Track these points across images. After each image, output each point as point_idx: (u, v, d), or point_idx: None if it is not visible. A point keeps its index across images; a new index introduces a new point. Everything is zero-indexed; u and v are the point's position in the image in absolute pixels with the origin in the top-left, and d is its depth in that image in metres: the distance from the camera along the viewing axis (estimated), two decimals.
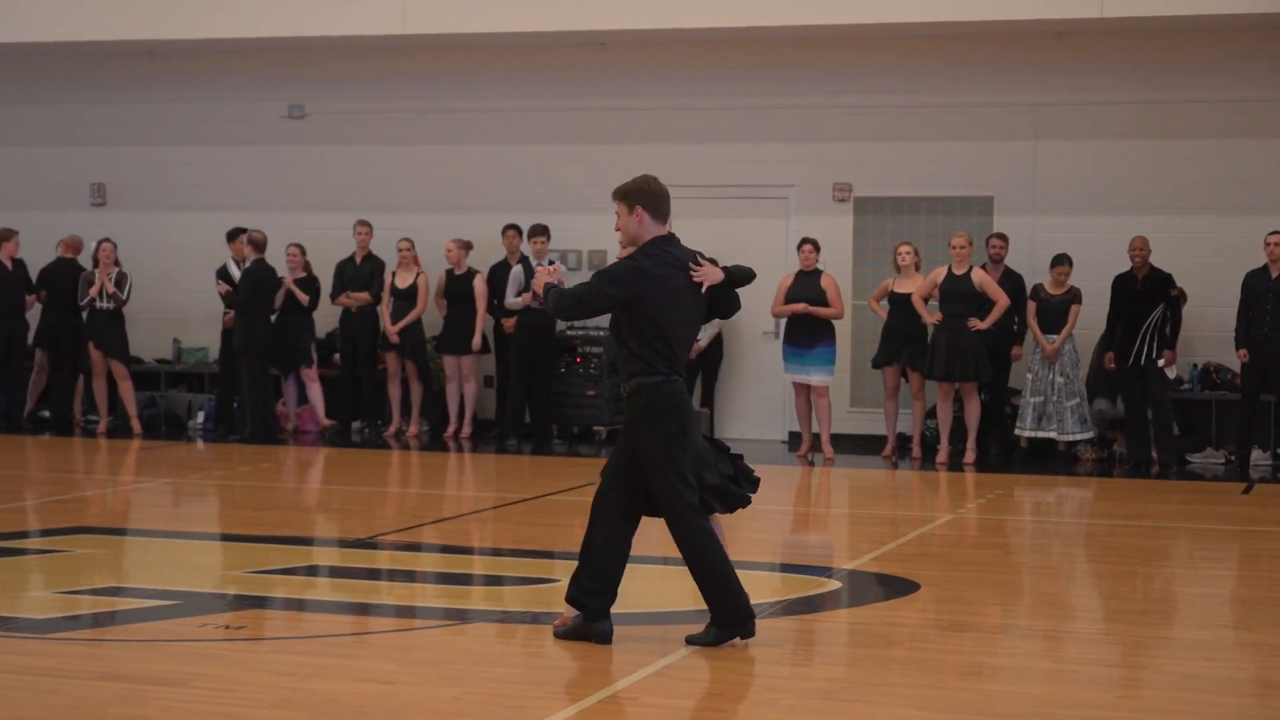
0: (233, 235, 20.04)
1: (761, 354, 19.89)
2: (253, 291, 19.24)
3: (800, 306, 18.02)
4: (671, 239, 8.86)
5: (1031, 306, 18.09)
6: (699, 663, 8.34)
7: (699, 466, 8.84)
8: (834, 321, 18.20)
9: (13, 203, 21.60)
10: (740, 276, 9.09)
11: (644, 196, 8.78)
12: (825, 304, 18.07)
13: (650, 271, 8.65)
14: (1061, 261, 18.10)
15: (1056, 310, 18.03)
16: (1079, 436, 18.13)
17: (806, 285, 18.15)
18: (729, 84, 19.93)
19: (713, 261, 8.94)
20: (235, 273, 19.66)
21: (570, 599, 8.76)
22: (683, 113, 20.05)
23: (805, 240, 18.34)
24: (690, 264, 8.77)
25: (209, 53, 21.15)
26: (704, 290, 8.80)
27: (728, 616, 8.64)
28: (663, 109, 20.08)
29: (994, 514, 14.72)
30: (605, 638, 8.67)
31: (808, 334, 18.09)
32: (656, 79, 20.09)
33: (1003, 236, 18.60)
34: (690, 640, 8.66)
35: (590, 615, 8.73)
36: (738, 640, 8.61)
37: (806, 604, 10.13)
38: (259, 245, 19.40)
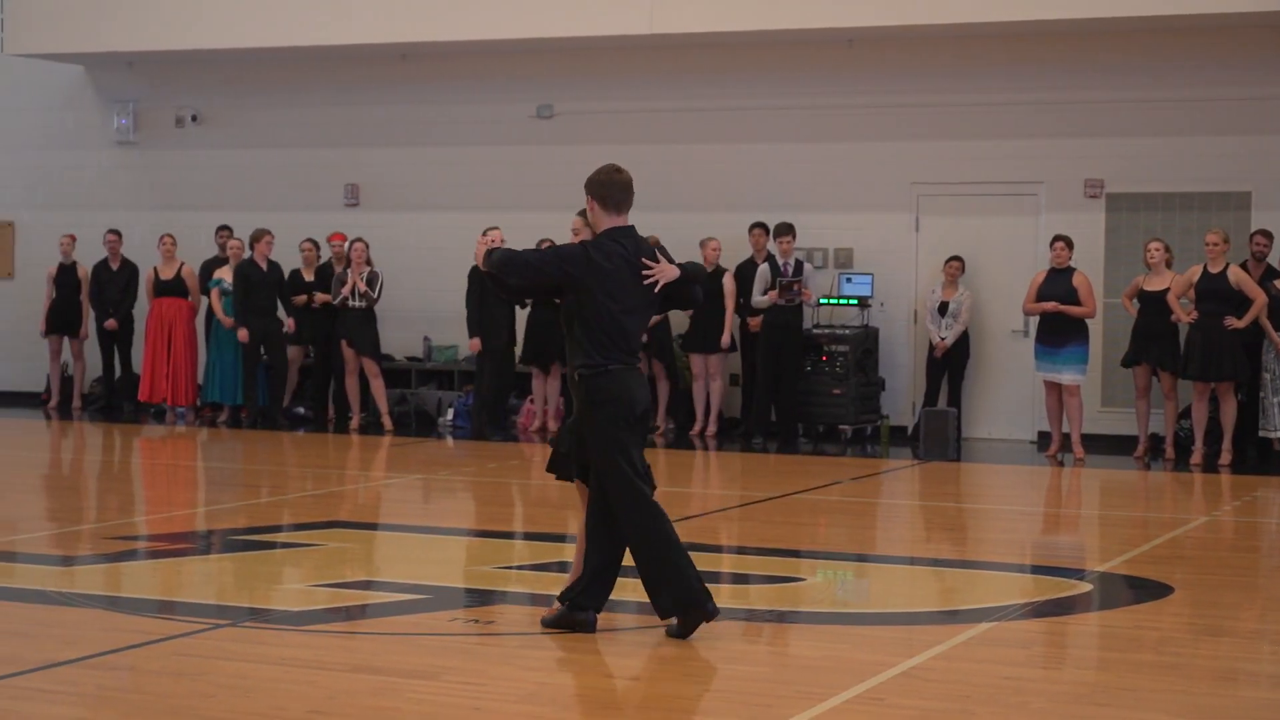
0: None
1: (1010, 352, 19.63)
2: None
3: (1051, 305, 17.77)
4: (626, 231, 8.86)
5: (1261, 303, 17.39)
6: (946, 664, 8.26)
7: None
8: (1086, 320, 17.92)
9: (268, 204, 22.09)
10: (695, 273, 9.11)
11: (597, 187, 8.89)
12: (1077, 302, 17.80)
13: (598, 262, 8.68)
14: None
15: None
16: None
17: (1058, 283, 17.88)
18: (977, 80, 19.70)
19: (669, 257, 8.98)
20: None
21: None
22: (931, 109, 19.86)
23: (1057, 237, 18.07)
24: (644, 260, 8.79)
25: (459, 54, 21.43)
26: (656, 290, 8.82)
27: (679, 598, 8.60)
28: (910, 106, 19.91)
29: (1250, 517, 14.37)
30: (588, 627, 8.77)
31: (1059, 332, 17.82)
32: (904, 76, 19.92)
33: (1267, 234, 18.13)
34: (670, 634, 8.67)
35: (575, 605, 8.81)
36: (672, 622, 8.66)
37: (1057, 606, 9.98)
38: None
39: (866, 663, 8.28)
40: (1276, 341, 17.37)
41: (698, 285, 9.14)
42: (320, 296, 20.41)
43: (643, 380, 8.88)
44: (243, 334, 20.17)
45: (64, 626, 9.02)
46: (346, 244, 20.27)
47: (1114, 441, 18.66)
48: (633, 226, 8.93)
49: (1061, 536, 13.72)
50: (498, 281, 8.90)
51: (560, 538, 12.71)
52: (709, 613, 8.62)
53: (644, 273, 8.77)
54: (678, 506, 14.66)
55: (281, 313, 20.42)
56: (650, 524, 8.75)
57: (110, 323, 21.62)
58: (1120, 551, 11.90)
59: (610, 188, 8.86)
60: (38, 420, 21.42)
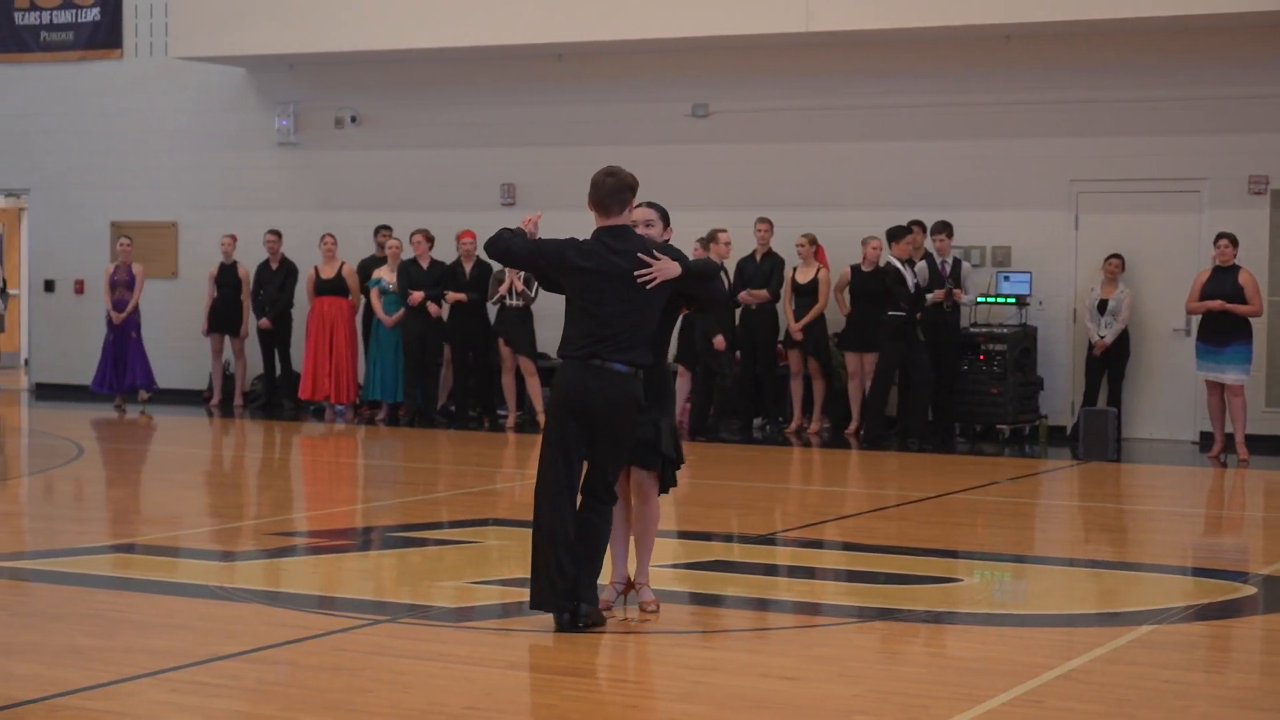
0: None
1: (1171, 352, 19.35)
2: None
3: (1216, 303, 17.51)
4: (619, 231, 9.05)
5: None
6: (1106, 667, 8.16)
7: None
8: (1251, 319, 17.64)
9: (426, 203, 22.26)
10: (702, 270, 9.23)
11: (590, 189, 9.10)
12: (1243, 301, 17.53)
13: (572, 260, 9.01)
14: None
15: None
16: None
17: (1223, 281, 17.62)
18: (1138, 75, 19.44)
19: (677, 255, 9.06)
20: None
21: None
22: (1091, 105, 19.62)
23: (1222, 235, 17.80)
24: (640, 256, 8.91)
25: (614, 54, 21.49)
26: (650, 288, 8.92)
27: (534, 593, 8.92)
28: (1070, 102, 19.68)
29: None
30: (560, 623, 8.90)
31: (1223, 331, 17.56)
32: (1063, 71, 19.70)
33: None
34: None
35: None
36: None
37: (1220, 609, 9.83)
38: None
39: (1025, 665, 8.20)
40: None
41: (712, 281, 9.27)
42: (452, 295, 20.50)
43: (599, 375, 8.91)
44: (415, 296, 20.36)
45: (225, 621, 9.16)
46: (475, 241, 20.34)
47: (1279, 443, 18.35)
48: (625, 226, 9.14)
49: (1224, 539, 13.51)
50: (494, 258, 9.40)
51: (710, 536, 12.71)
52: (557, 619, 8.87)
53: (637, 272, 8.91)
54: (834, 505, 14.62)
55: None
56: (538, 515, 9.02)
57: (264, 322, 21.90)
58: None
59: (596, 190, 9.14)
60: (200, 417, 21.74)
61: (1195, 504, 15.42)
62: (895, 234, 18.93)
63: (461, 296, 20.41)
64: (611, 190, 9.08)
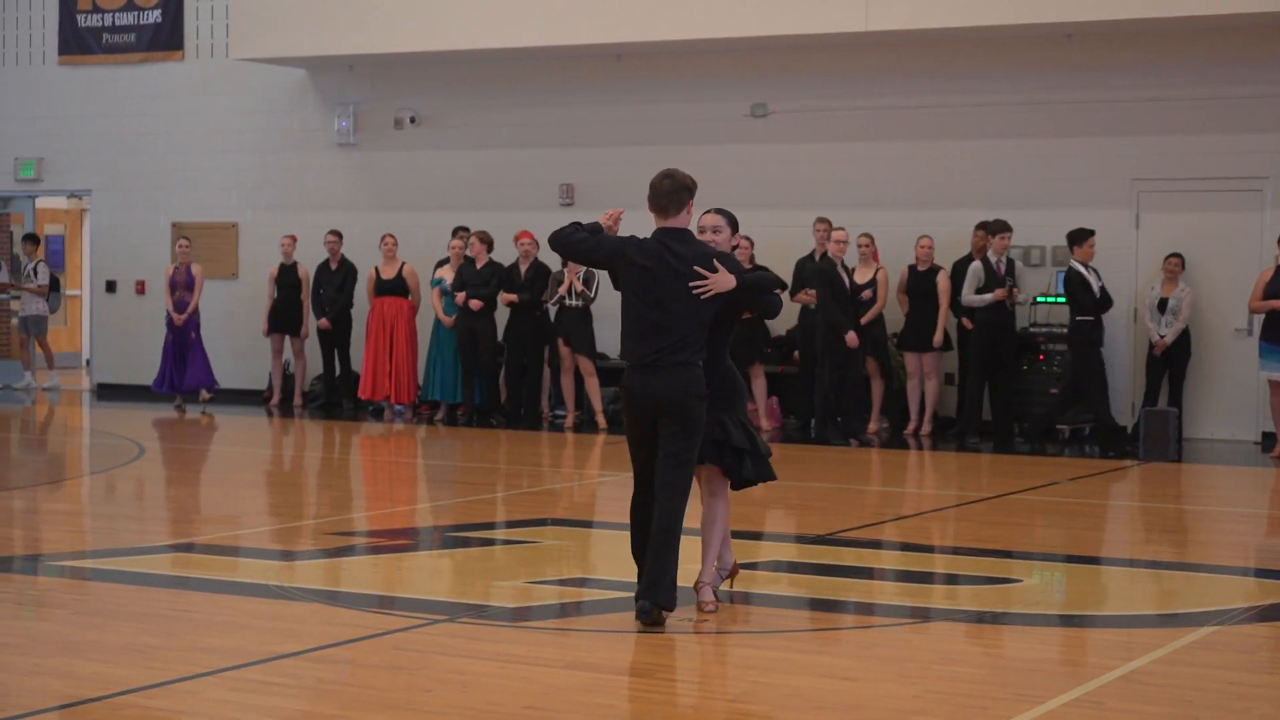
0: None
1: (1233, 351, 19.22)
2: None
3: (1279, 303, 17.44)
4: (675, 233, 9.15)
5: None
6: (1167, 668, 8.12)
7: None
8: None
9: (486, 203, 22.31)
10: (760, 283, 9.24)
11: (649, 190, 9.24)
12: None
13: (631, 258, 9.14)
14: None
15: None
16: None
17: None
18: (1199, 73, 19.31)
19: (733, 266, 9.08)
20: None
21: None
22: (1152, 104, 19.51)
23: None
24: (698, 269, 8.98)
25: (673, 54, 21.49)
26: (703, 298, 8.97)
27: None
28: (1131, 100, 19.57)
29: None
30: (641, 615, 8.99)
31: None
32: (1125, 70, 19.59)
33: None
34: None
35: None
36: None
37: None
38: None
39: (1086, 665, 8.17)
40: None
41: (770, 294, 9.31)
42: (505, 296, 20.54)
43: (661, 373, 9.00)
44: (459, 297, 20.48)
45: (285, 620, 9.20)
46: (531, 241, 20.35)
47: None
48: (685, 230, 9.21)
49: None
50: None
51: (758, 535, 12.70)
52: (640, 610, 8.97)
53: (692, 284, 8.98)
54: (893, 506, 14.58)
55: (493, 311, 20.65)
56: (631, 514, 9.33)
57: (323, 322, 21.99)
58: None
59: (653, 191, 9.28)
60: (260, 417, 21.85)
61: (1257, 504, 15.33)
62: (1076, 238, 18.55)
63: (513, 297, 20.44)
64: (668, 192, 9.17)
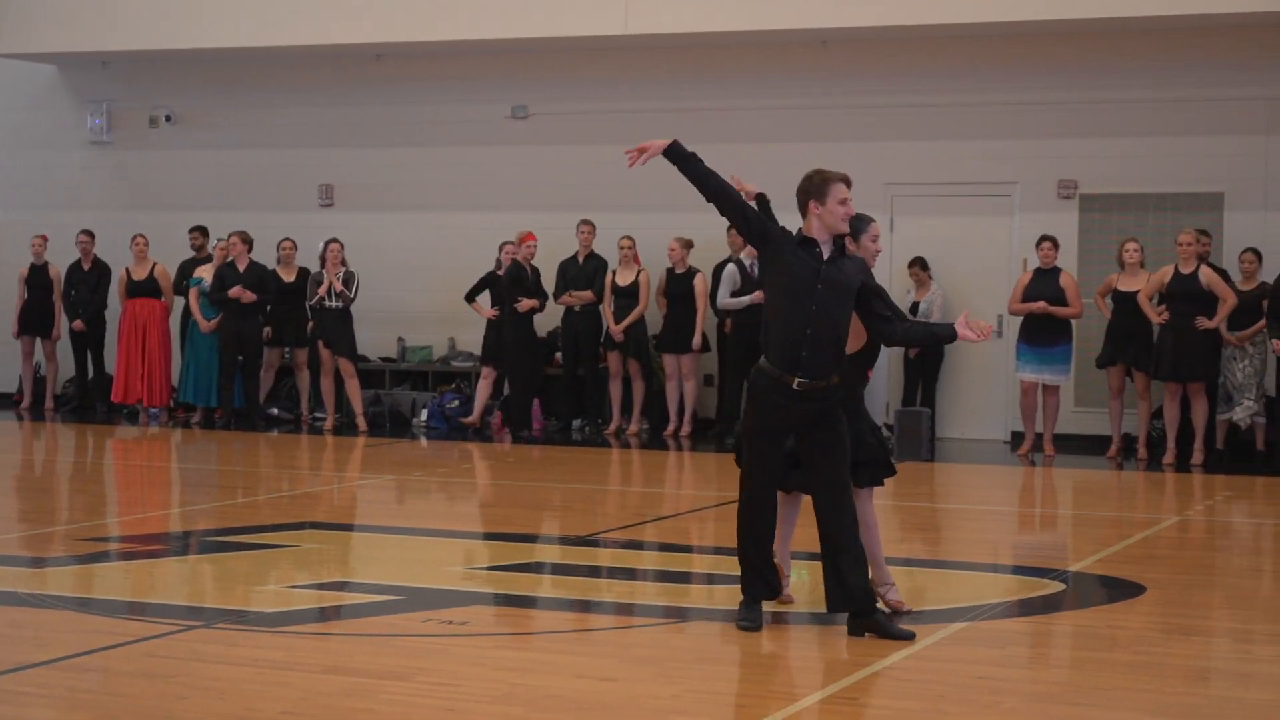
0: None
1: (984, 353, 19.64)
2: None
3: (1040, 305, 17.82)
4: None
5: (1231, 303, 17.42)
6: (920, 663, 8.27)
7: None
8: (1071, 320, 18.00)
9: (243, 204, 22.05)
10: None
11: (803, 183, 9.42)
12: (1065, 303, 17.86)
13: (778, 237, 9.33)
14: (1248, 254, 17.71)
15: (1243, 305, 17.48)
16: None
17: (1045, 284, 17.94)
18: (951, 81, 19.73)
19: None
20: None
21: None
22: (905, 110, 19.88)
23: (1045, 238, 18.13)
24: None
25: (434, 55, 21.42)
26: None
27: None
28: (885, 106, 19.93)
29: (1223, 516, 14.42)
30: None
31: (1048, 333, 17.90)
32: (878, 76, 19.95)
33: (1207, 233, 18.17)
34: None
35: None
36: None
37: (1030, 605, 10.01)
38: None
39: (840, 662, 8.29)
40: (1231, 340, 17.42)
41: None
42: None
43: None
44: (236, 290, 20.14)
45: (35, 628, 9.00)
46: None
47: (1087, 441, 18.70)
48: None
49: (1035, 536, 13.74)
50: None
51: (531, 538, 12.71)
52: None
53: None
54: (652, 506, 14.67)
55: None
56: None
57: (77, 324, 21.58)
58: (1093, 551, 11.93)
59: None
60: (10, 421, 21.36)
61: (1007, 502, 15.67)
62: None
63: (534, 303, 19.70)
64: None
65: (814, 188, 8.98)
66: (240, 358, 20.39)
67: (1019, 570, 11.53)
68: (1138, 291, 17.64)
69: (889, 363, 19.70)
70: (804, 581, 10.16)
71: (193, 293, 20.65)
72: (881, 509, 14.90)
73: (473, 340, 20.69)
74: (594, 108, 21.03)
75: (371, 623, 9.17)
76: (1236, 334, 17.40)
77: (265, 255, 20.68)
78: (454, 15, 20.29)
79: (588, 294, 19.81)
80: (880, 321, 8.92)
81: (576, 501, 14.81)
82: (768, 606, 9.27)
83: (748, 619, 8.92)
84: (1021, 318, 18.17)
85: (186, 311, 20.90)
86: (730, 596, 10.32)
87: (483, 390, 20.03)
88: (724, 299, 18.98)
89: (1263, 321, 17.32)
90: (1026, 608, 9.94)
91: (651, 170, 20.78)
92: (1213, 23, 18.53)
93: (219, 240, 20.87)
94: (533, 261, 19.83)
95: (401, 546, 12.21)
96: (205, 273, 20.65)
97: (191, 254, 21.45)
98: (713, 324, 19.73)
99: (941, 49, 19.71)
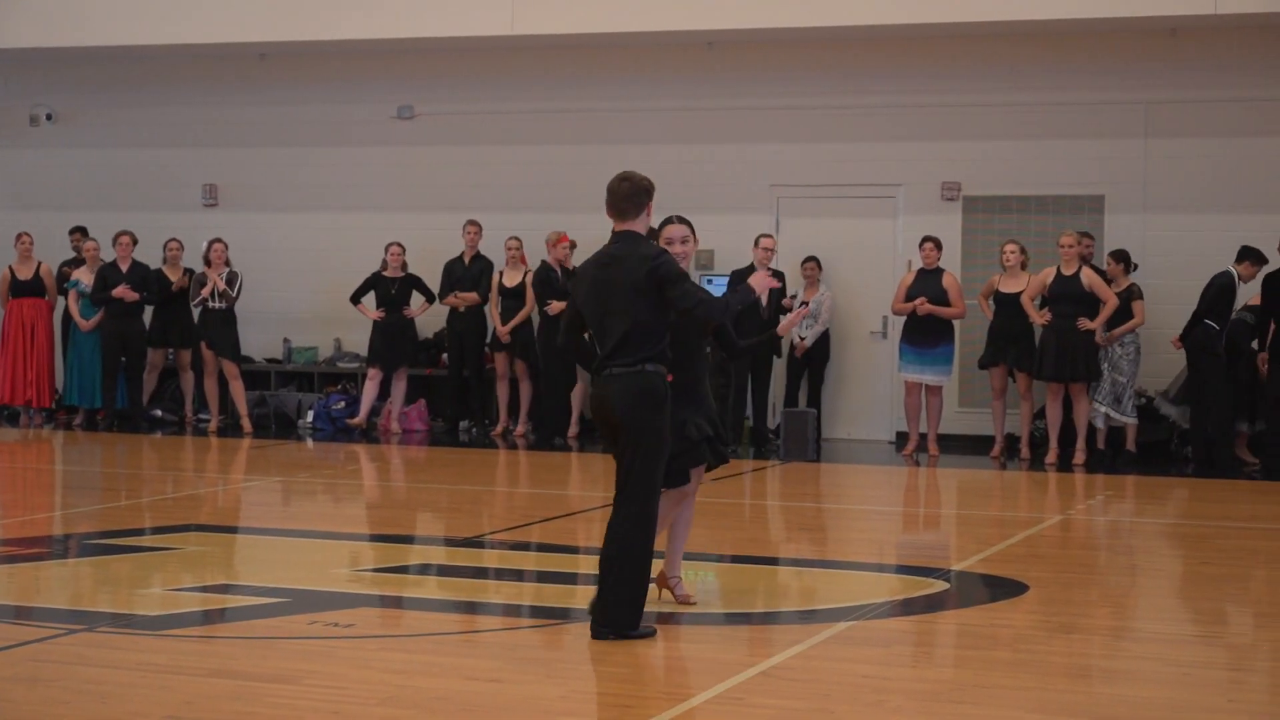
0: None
1: (869, 353, 19.81)
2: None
3: (920, 303, 17.96)
4: (620, 235, 9.18)
5: (1112, 305, 17.64)
6: (806, 663, 8.32)
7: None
8: (953, 321, 18.16)
9: (126, 204, 21.86)
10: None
11: (606, 194, 9.25)
12: (947, 303, 18.01)
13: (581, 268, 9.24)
14: (1115, 258, 17.93)
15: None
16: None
17: (928, 284, 18.09)
18: (835, 83, 19.87)
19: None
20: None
21: None
22: (790, 112, 20.00)
23: (927, 238, 18.28)
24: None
25: (319, 55, 21.32)
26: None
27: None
28: (770, 108, 20.05)
29: (1104, 515, 14.59)
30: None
31: (930, 333, 18.05)
32: (764, 79, 20.05)
33: (1090, 235, 18.41)
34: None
35: None
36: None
37: (914, 605, 10.08)
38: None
39: (726, 662, 8.32)
40: (1100, 339, 17.62)
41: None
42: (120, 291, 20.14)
43: (603, 390, 8.85)
44: (120, 290, 19.91)
45: None
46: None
47: (970, 441, 18.89)
48: (627, 232, 9.15)
49: (919, 535, 13.85)
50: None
51: (416, 540, 12.68)
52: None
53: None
54: (542, 508, 14.67)
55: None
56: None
57: None
58: (977, 550, 12.04)
59: (610, 195, 9.23)
60: None
61: (892, 502, 15.78)
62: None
63: (563, 305, 19.56)
64: (623, 196, 9.12)
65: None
66: (123, 359, 20.24)
67: (903, 570, 11.62)
68: (1020, 293, 17.84)
69: (776, 364, 19.79)
70: (702, 581, 10.19)
71: (72, 294, 20.44)
72: (767, 509, 15.01)
73: (358, 341, 20.64)
74: (480, 108, 21.01)
75: (257, 625, 9.12)
76: (1107, 333, 17.61)
77: (150, 255, 20.51)
78: (339, 15, 20.20)
79: (473, 295, 19.79)
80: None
81: (463, 503, 14.79)
82: (659, 607, 9.31)
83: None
84: (904, 318, 18.32)
85: (68, 313, 20.69)
86: None
87: (369, 391, 19.99)
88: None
89: (1132, 322, 17.57)
90: (911, 607, 10.01)
91: (537, 170, 20.86)
92: (1093, 27, 18.77)
93: (91, 241, 20.60)
94: (566, 264, 19.33)
95: (287, 549, 12.15)
96: (82, 275, 20.44)
97: (72, 254, 21.24)
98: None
99: (825, 52, 19.84)
